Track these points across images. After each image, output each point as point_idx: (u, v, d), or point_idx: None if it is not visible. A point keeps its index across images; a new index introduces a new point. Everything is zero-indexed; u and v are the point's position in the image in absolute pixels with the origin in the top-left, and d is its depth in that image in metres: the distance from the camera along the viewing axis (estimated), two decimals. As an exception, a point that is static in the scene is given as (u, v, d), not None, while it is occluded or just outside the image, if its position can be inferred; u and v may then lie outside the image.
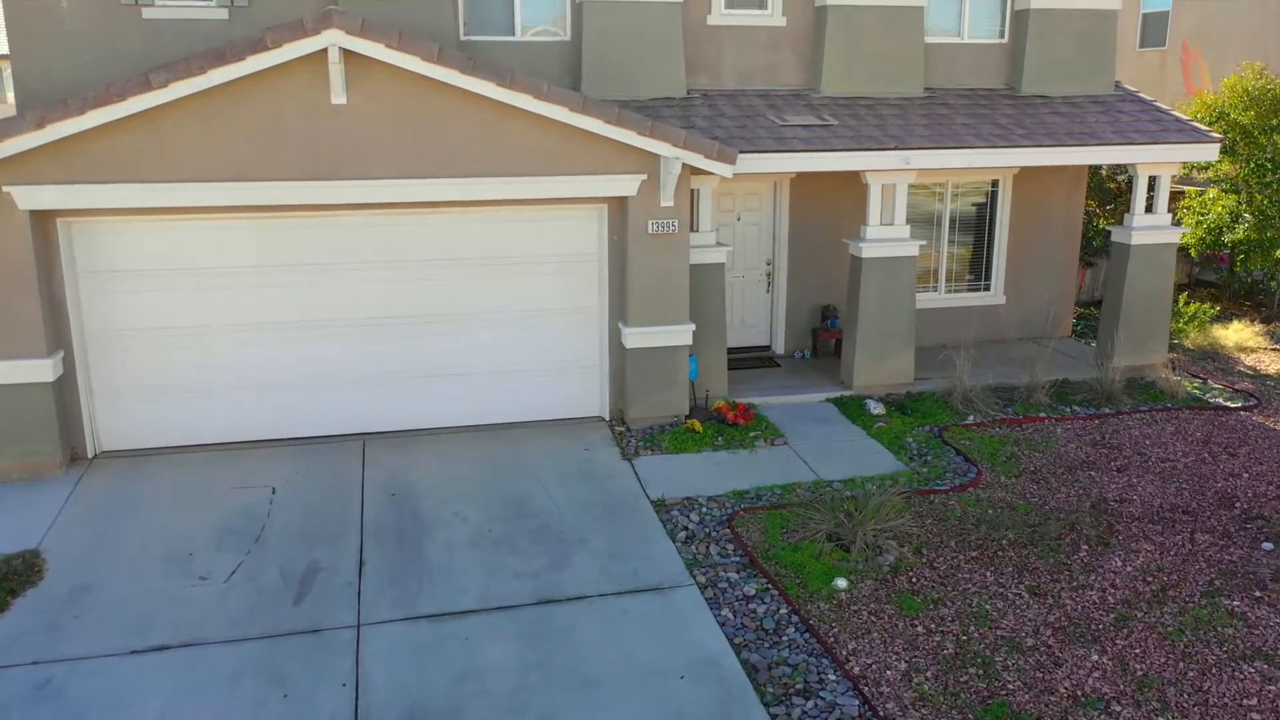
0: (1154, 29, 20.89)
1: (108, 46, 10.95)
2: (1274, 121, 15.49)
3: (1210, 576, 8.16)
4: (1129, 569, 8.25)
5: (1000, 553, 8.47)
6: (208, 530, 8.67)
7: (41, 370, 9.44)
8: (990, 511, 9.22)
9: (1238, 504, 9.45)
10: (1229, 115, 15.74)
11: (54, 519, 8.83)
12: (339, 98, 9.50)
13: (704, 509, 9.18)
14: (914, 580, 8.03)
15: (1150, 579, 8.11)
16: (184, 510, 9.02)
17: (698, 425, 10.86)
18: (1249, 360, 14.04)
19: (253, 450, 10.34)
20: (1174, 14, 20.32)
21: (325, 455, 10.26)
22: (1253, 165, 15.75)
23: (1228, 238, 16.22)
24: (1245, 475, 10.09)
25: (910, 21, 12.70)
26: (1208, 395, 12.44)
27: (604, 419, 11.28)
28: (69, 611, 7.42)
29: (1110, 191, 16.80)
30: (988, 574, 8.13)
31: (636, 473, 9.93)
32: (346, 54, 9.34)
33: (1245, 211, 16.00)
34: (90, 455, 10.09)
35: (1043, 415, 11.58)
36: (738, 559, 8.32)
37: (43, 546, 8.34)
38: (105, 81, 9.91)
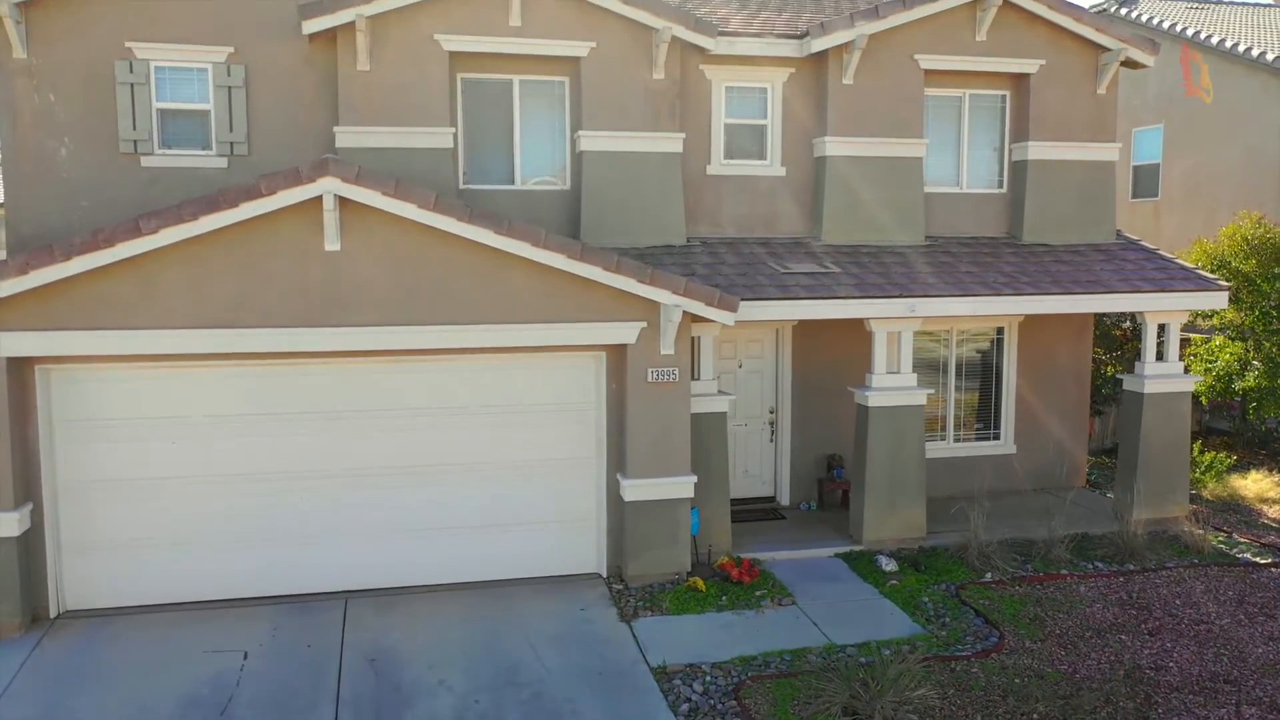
0: (1146, 181, 21.19)
1: (104, 194, 10.92)
2: (1276, 270, 15.43)
3: (1264, 757, 7.45)
4: (1174, 748, 7.55)
5: (1032, 729, 7.77)
6: (170, 701, 8.00)
7: (6, 525, 8.92)
8: (1017, 680, 8.54)
9: (1282, 672, 8.79)
10: (1230, 263, 15.70)
11: (4, 688, 8.16)
12: (332, 244, 9.34)
13: (708, 677, 8.51)
14: (940, 761, 7.32)
15: (1198, 760, 7.40)
16: (147, 678, 8.35)
17: (700, 583, 10.26)
18: (1272, 512, 13.50)
19: (228, 610, 9.71)
20: (1165, 166, 20.65)
21: (304, 615, 9.63)
22: (1258, 313, 15.61)
23: (1237, 385, 15.94)
24: (1286, 639, 9.44)
25: (909, 172, 12.75)
26: (1235, 550, 11.86)
27: (601, 576, 10.68)
28: (7, 798, 6.72)
29: (1116, 339, 16.62)
30: (1020, 753, 7.43)
31: (636, 636, 9.29)
32: (341, 201, 9.22)
33: (1254, 359, 15.77)
34: (53, 615, 9.46)
35: (1064, 572, 10.98)
36: (746, 736, 7.63)
37: (-12, 720, 7.66)
38: (96, 227, 9.77)
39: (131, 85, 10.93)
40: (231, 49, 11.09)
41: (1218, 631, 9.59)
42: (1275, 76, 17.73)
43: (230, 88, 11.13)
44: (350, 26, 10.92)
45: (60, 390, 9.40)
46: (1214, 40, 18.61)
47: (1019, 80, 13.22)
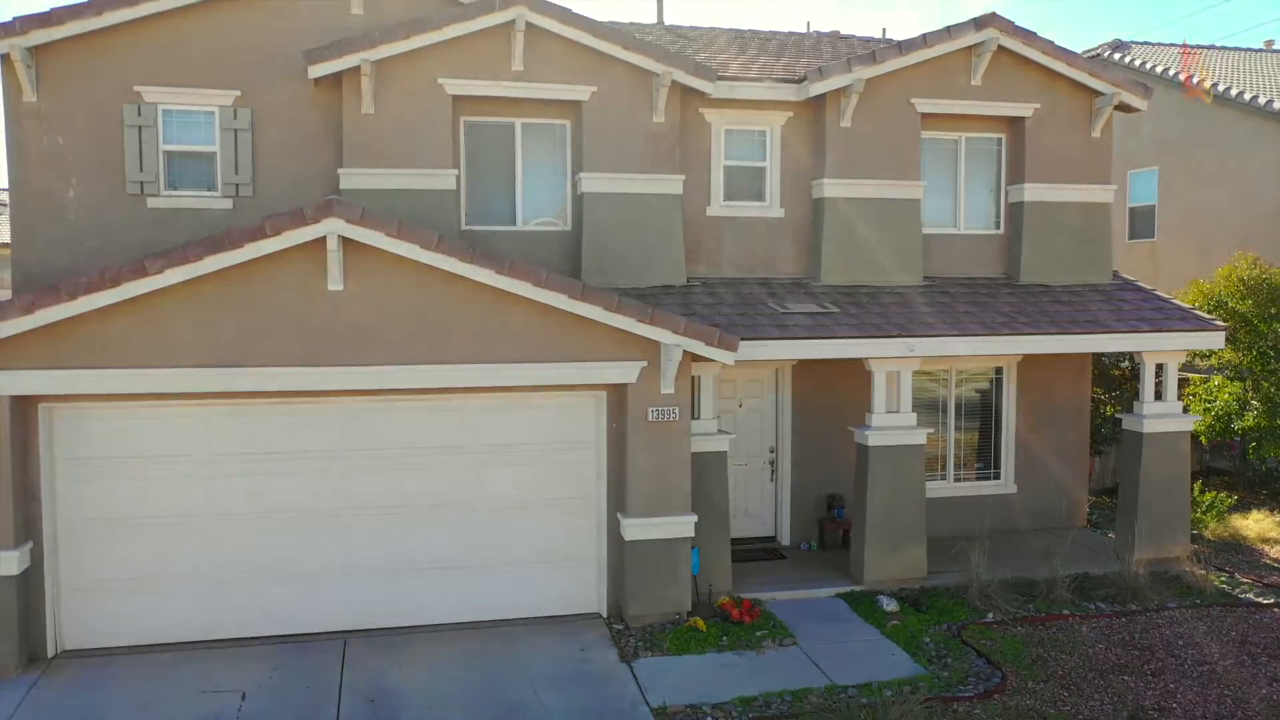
0: (1142, 222, 21.36)
1: (111, 234, 11.03)
2: (1273, 310, 15.51)
3: (1269, 800, 7.39)
4: (1178, 790, 7.48)
5: (1035, 771, 7.72)
6: (167, 742, 7.95)
7: (5, 563, 8.91)
8: (1020, 722, 8.49)
9: (1287, 714, 8.73)
10: (1227, 304, 15.78)
11: (1, 729, 8.12)
12: (336, 284, 9.42)
13: (709, 719, 8.46)
14: (942, 804, 7.26)
15: (1203, 802, 7.34)
16: (145, 719, 8.30)
17: (701, 623, 10.22)
18: (1274, 552, 13.46)
19: (227, 650, 9.66)
20: (1160, 207, 20.83)
21: (303, 655, 9.58)
22: (1255, 353, 15.66)
23: (1237, 425, 15.95)
24: (1290, 680, 9.39)
25: (907, 213, 12.87)
26: (1237, 591, 11.82)
27: (601, 615, 10.64)
28: (2, 840, 6.66)
29: (1115, 379, 16.66)
30: (1023, 796, 7.37)
31: (636, 677, 9.24)
32: (345, 241, 9.31)
33: (1252, 399, 15.80)
34: (50, 655, 9.42)
35: (1066, 613, 10.93)
36: (747, 778, 7.57)
37: (-16, 762, 7.61)
38: (102, 267, 9.87)
39: (139, 128, 11.09)
40: (238, 92, 11.27)
41: (1221, 673, 9.54)
42: (1269, 120, 17.95)
43: (236, 130, 11.29)
44: (355, 71, 11.10)
45: (63, 428, 9.44)
46: (1208, 84, 18.85)
47: (1014, 123, 13.39)
